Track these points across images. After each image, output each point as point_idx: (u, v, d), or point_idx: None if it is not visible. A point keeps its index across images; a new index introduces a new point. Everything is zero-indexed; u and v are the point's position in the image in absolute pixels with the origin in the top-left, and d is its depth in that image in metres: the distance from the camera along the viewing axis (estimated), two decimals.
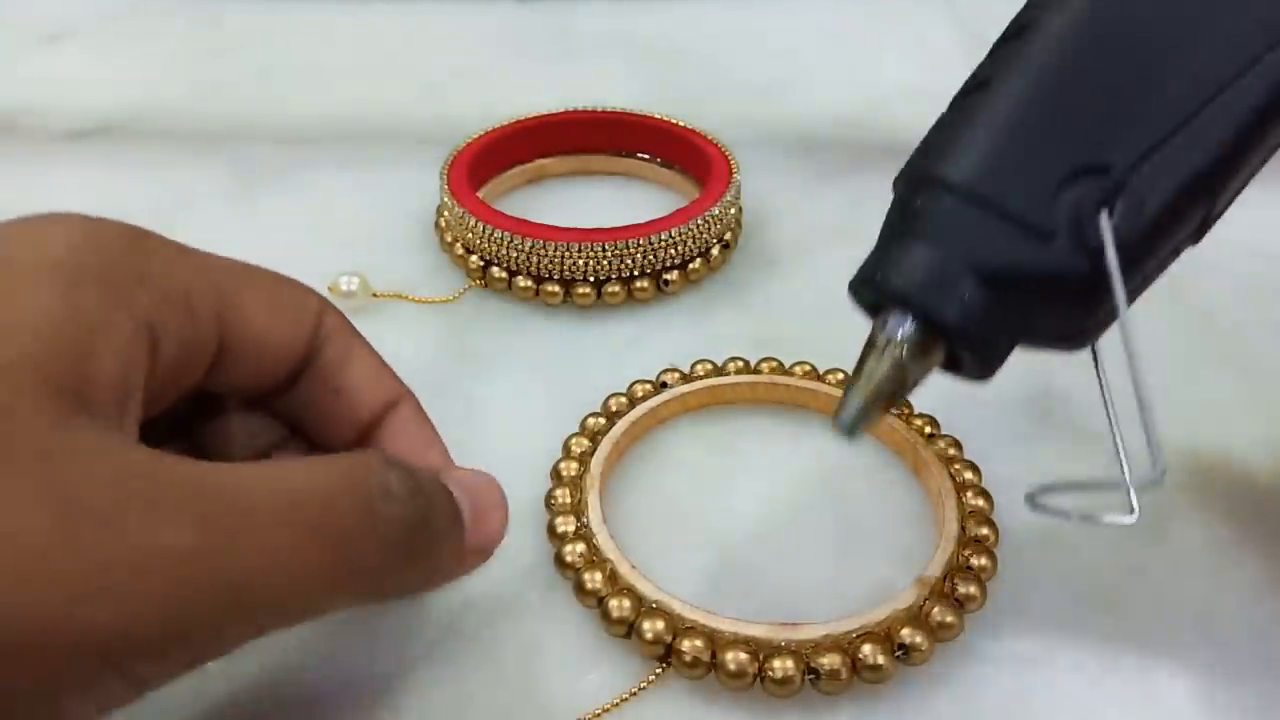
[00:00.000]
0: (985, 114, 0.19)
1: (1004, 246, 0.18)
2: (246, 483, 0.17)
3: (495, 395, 0.30)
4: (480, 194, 0.35)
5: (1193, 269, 0.36)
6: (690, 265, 0.33)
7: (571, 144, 0.40)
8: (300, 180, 0.40)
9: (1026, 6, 0.20)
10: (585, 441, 0.26)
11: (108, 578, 0.15)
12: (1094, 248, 0.17)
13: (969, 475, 0.25)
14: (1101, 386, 0.19)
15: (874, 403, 0.19)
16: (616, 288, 0.32)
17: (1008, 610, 0.23)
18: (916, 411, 0.27)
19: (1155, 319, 0.33)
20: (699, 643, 0.21)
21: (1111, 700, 0.22)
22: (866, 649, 0.21)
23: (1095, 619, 0.24)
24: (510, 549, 0.23)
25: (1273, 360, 0.31)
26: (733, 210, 0.35)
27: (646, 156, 0.40)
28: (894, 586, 0.23)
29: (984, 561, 0.23)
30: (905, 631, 0.22)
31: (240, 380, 0.22)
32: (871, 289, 0.19)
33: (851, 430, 0.19)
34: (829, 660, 0.21)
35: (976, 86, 0.19)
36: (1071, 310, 0.18)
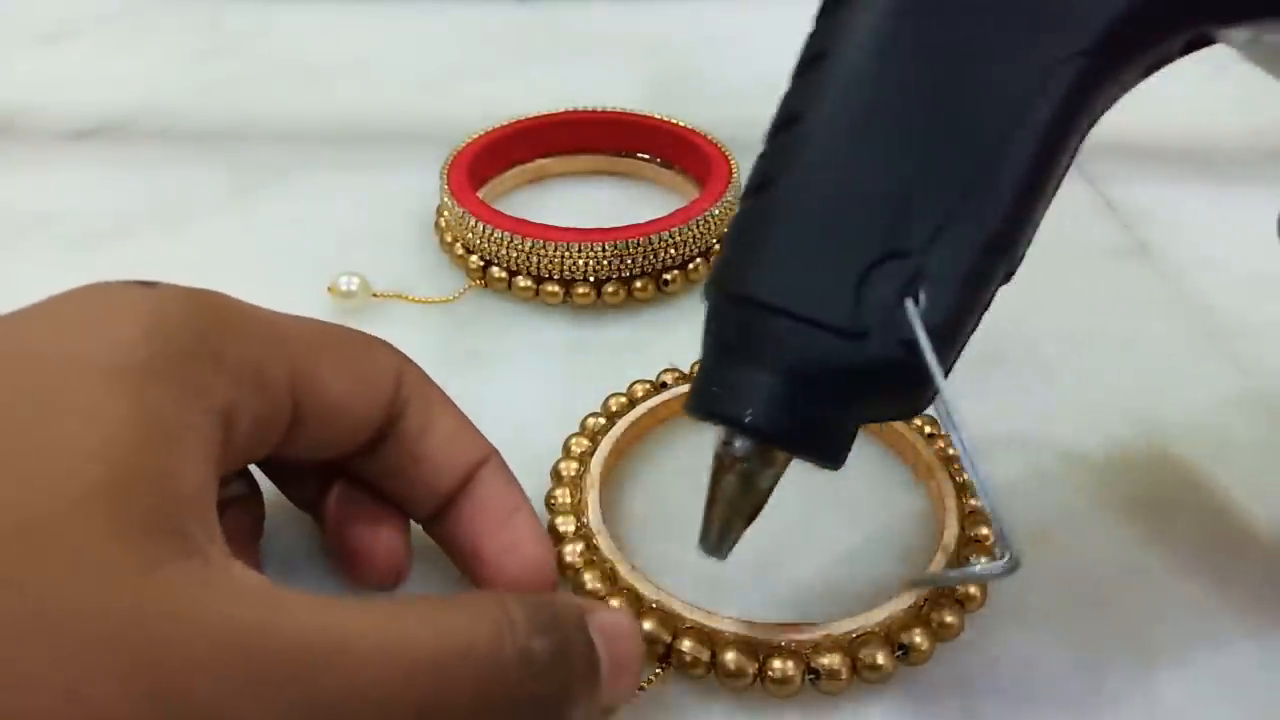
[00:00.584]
0: (776, 221, 0.19)
1: (823, 355, 0.18)
2: (358, 646, 0.15)
3: (495, 395, 0.29)
4: (480, 194, 0.35)
5: (1195, 268, 0.36)
6: (690, 265, 0.33)
7: (571, 144, 0.40)
8: (300, 180, 0.40)
9: (788, 95, 0.20)
10: (585, 441, 0.26)
11: None
12: (908, 340, 0.17)
13: (968, 476, 0.25)
14: (960, 440, 0.18)
15: (735, 517, 0.20)
16: (616, 288, 0.32)
17: (1007, 610, 0.23)
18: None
19: (1156, 320, 0.33)
20: (698, 643, 0.21)
21: (1110, 699, 0.22)
22: (867, 649, 0.21)
23: (1095, 618, 0.24)
24: None
25: (1273, 360, 0.31)
26: (733, 210, 0.35)
27: (646, 156, 0.40)
28: (895, 587, 0.23)
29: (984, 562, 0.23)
30: (906, 632, 0.22)
31: (314, 450, 0.21)
32: (708, 416, 0.19)
33: (720, 551, 0.21)
34: (829, 660, 0.21)
35: (762, 185, 0.19)
36: (901, 395, 0.19)
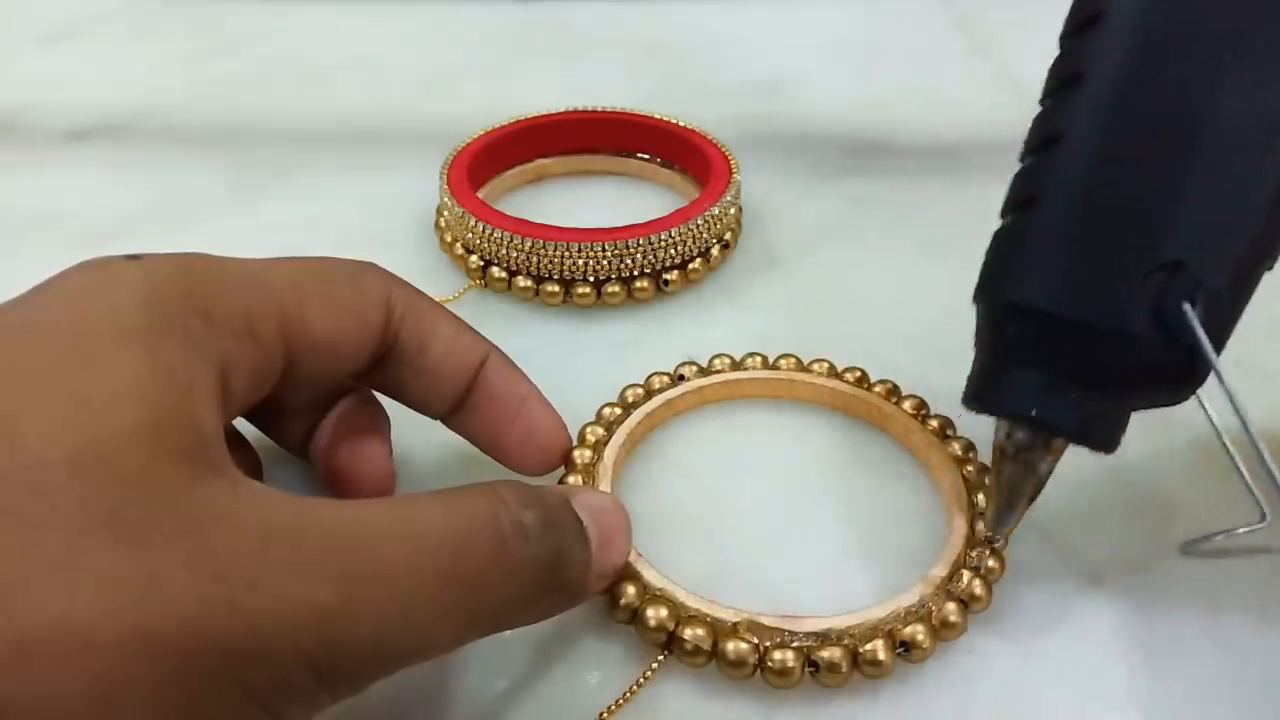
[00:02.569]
0: (1047, 233, 0.20)
1: (1099, 358, 0.20)
2: (379, 530, 0.17)
3: None
4: (480, 194, 0.35)
5: None
6: (690, 265, 0.33)
7: (571, 144, 0.40)
8: (300, 180, 0.40)
9: (1046, 113, 0.21)
10: (600, 430, 0.26)
11: (256, 641, 0.15)
12: (1186, 342, 0.19)
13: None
14: (1218, 432, 0.21)
15: (1016, 499, 0.22)
16: (616, 288, 0.32)
17: (1012, 611, 0.23)
18: (932, 412, 0.27)
19: None
20: (700, 631, 0.21)
21: (1113, 702, 0.22)
22: (868, 644, 0.21)
23: (1095, 617, 0.24)
24: None
25: (1273, 360, 0.31)
26: (732, 210, 0.35)
27: (646, 156, 0.40)
28: (901, 584, 0.23)
29: (992, 563, 0.23)
30: (908, 629, 0.22)
31: (312, 384, 0.23)
32: (990, 410, 0.21)
33: (1001, 529, 0.23)
34: (829, 653, 0.21)
35: (1028, 200, 0.21)
36: (1175, 388, 0.21)
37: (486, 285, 0.33)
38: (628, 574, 0.22)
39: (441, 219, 0.35)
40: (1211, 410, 0.21)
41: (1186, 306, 0.19)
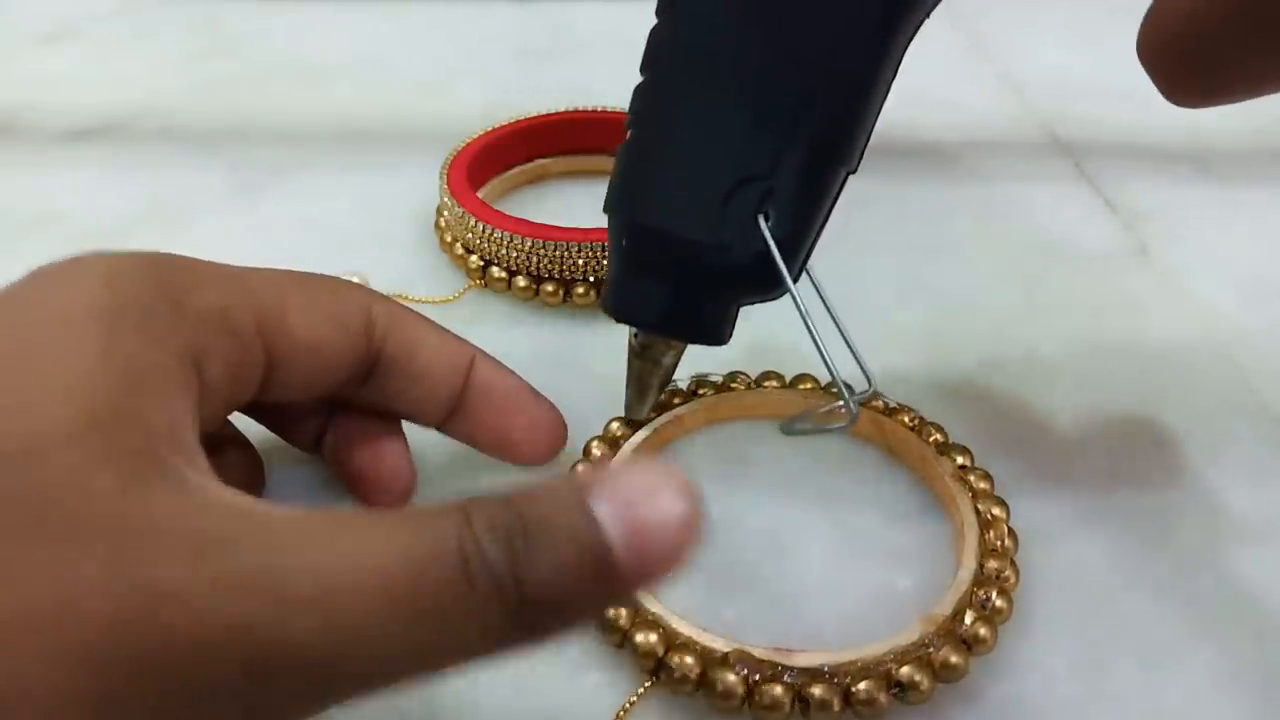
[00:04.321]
0: (652, 154, 0.23)
1: (700, 265, 0.22)
2: (327, 548, 0.16)
3: None
4: (480, 194, 0.35)
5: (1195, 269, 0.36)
6: None
7: (571, 144, 0.40)
8: (300, 180, 0.40)
9: (651, 34, 0.23)
10: (605, 447, 0.26)
11: (175, 658, 0.15)
12: (761, 250, 0.22)
13: (996, 511, 0.24)
14: (806, 323, 0.22)
15: (647, 389, 0.26)
16: None
17: (1019, 656, 0.22)
18: (951, 441, 0.26)
19: (1156, 320, 0.33)
20: (690, 659, 0.21)
21: (1110, 699, 0.22)
22: (862, 684, 0.20)
23: (1095, 619, 0.23)
24: None
25: (1273, 361, 0.31)
26: None
27: None
28: (903, 620, 0.22)
29: (1000, 603, 0.22)
30: (905, 670, 0.21)
31: (300, 389, 0.22)
32: (619, 318, 0.24)
33: (638, 412, 0.26)
34: (820, 690, 0.20)
35: (634, 121, 0.23)
36: (763, 289, 0.23)
37: (486, 285, 0.33)
38: None
39: (441, 219, 0.35)
40: (804, 307, 0.22)
41: (760, 218, 0.22)
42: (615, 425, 0.27)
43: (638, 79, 0.23)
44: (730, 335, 0.24)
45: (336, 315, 0.22)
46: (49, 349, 0.17)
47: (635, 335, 0.25)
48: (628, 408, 0.26)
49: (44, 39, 0.52)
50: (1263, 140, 0.44)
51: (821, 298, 0.23)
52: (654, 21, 0.23)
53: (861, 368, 0.23)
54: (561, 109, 0.39)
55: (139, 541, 0.15)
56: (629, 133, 0.23)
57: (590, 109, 0.40)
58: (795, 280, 0.23)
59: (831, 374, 0.23)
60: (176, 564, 0.15)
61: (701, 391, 0.28)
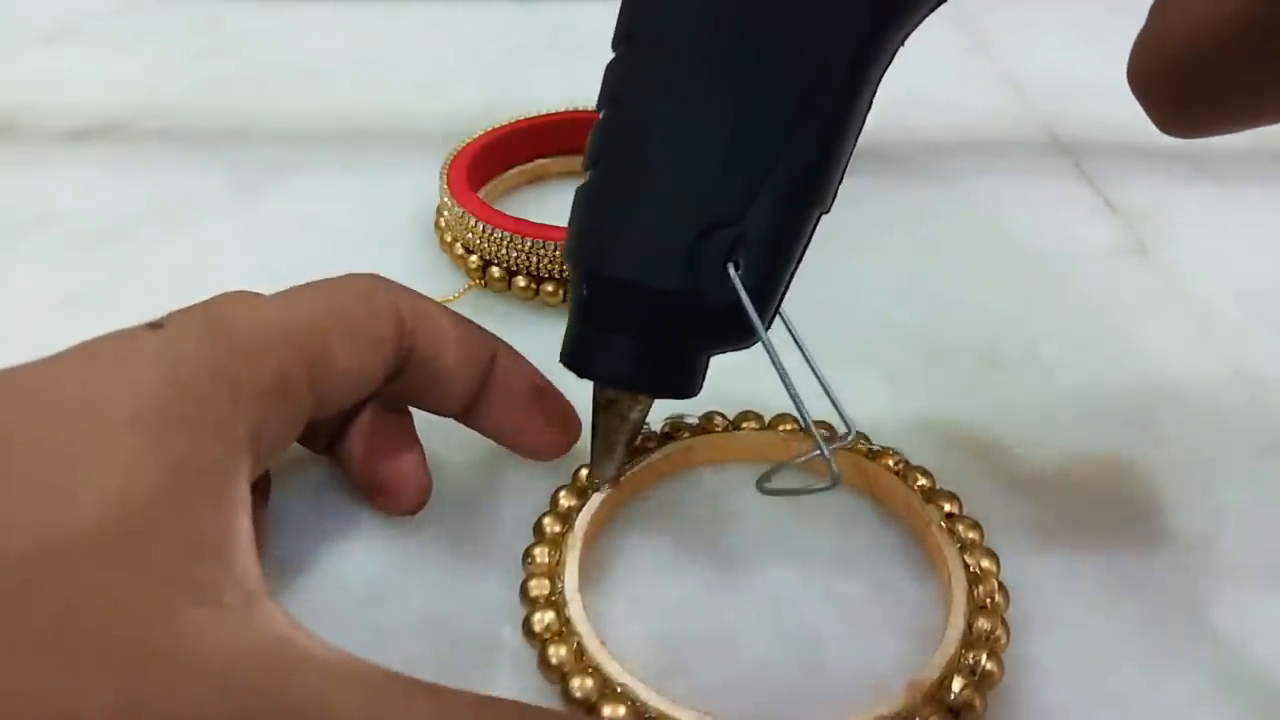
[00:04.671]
0: (615, 200, 0.21)
1: (669, 316, 0.21)
2: (363, 710, 0.15)
3: None
4: (480, 194, 0.35)
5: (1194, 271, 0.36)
6: None
7: (571, 144, 0.39)
8: (300, 180, 0.40)
9: (608, 69, 0.22)
10: (573, 499, 0.24)
11: None
12: (732, 299, 0.20)
13: (986, 563, 0.23)
14: (781, 374, 0.21)
15: (615, 445, 0.24)
16: None
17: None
18: (938, 487, 0.25)
19: (1156, 320, 0.33)
20: None
21: (1111, 699, 0.22)
22: None
23: (1095, 618, 0.23)
24: (487, 585, 0.23)
25: (1273, 361, 0.31)
26: None
27: None
28: (887, 684, 0.21)
29: (990, 666, 0.21)
30: None
31: (334, 409, 0.22)
32: (582, 374, 0.22)
33: (604, 471, 0.24)
34: None
35: (596, 160, 0.21)
36: (737, 337, 0.21)
37: (486, 285, 0.33)
38: (585, 665, 0.21)
39: (441, 219, 0.35)
40: (778, 359, 0.21)
41: (730, 267, 0.20)
42: (585, 473, 0.25)
43: None
44: (701, 387, 0.22)
45: (373, 335, 0.22)
46: (95, 447, 0.16)
47: (599, 389, 0.23)
48: (593, 465, 0.24)
49: (44, 39, 0.52)
50: (1262, 140, 0.43)
51: (797, 342, 0.22)
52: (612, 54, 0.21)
53: (840, 414, 0.21)
54: (561, 109, 0.39)
55: (157, 673, 0.14)
56: (588, 173, 0.22)
57: (590, 109, 0.39)
58: (768, 326, 0.21)
59: (809, 430, 0.21)
60: (193, 707, 0.14)
61: (677, 435, 0.26)
